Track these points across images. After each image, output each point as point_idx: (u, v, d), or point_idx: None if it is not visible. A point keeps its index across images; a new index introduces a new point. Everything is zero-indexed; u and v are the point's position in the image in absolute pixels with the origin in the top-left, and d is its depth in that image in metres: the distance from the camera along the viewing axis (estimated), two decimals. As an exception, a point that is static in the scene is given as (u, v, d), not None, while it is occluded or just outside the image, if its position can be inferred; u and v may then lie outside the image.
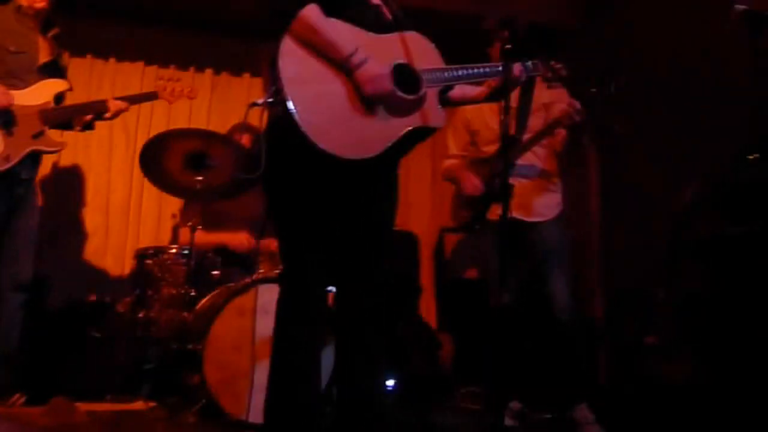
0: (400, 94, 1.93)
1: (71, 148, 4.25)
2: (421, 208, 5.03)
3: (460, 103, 2.39)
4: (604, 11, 4.22)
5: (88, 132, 3.28)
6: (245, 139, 3.73)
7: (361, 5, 2.06)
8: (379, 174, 2.03)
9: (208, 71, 4.83)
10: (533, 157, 3.17)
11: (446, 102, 2.14)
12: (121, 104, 3.13)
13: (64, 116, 3.08)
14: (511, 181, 2.14)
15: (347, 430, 1.98)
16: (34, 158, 2.99)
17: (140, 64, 4.70)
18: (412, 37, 2.05)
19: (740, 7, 2.25)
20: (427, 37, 2.08)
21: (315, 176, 1.92)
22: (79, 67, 4.38)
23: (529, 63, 2.27)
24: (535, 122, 3.10)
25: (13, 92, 2.89)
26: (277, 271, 3.18)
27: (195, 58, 4.79)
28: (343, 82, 1.90)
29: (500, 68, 2.11)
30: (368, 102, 1.91)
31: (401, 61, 1.98)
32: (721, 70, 3.36)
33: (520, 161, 3.07)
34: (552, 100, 3.15)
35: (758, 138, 2.28)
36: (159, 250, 3.47)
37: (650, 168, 3.75)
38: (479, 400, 3.47)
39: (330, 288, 2.07)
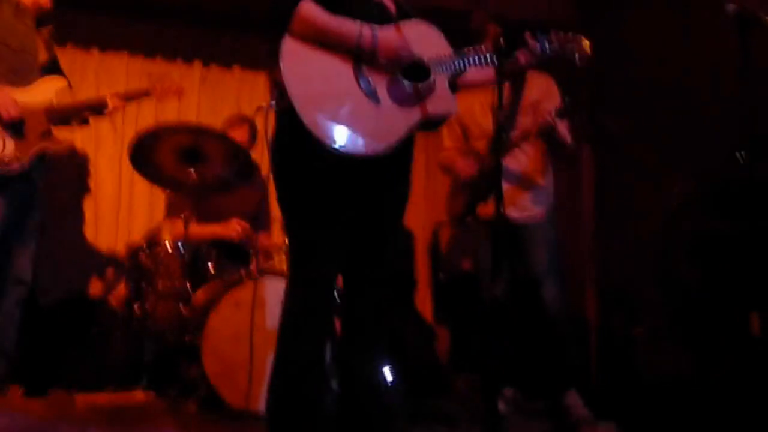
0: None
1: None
2: (415, 203, 4.92)
3: (473, 87, 2.28)
4: (595, 10, 4.26)
5: (74, 126, 3.22)
6: (240, 132, 3.72)
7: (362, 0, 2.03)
8: (391, 165, 2.01)
9: (197, 63, 4.70)
10: (522, 155, 3.17)
11: (456, 88, 2.10)
12: (118, 102, 3.12)
13: (69, 114, 3.06)
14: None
15: (352, 420, 2.00)
16: (41, 157, 2.96)
17: (124, 55, 4.53)
18: (413, 25, 2.01)
19: (732, 6, 2.29)
20: (431, 23, 2.05)
21: (326, 172, 1.91)
22: (59, 57, 4.30)
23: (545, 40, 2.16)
24: (524, 120, 3.11)
25: (16, 90, 2.85)
26: (272, 263, 3.22)
27: (182, 50, 4.65)
28: (349, 77, 1.90)
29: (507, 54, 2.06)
30: (374, 95, 1.90)
31: None
32: (712, 70, 3.42)
33: (507, 161, 3.07)
34: (540, 98, 3.15)
35: (748, 137, 2.34)
36: (152, 243, 3.45)
37: (642, 166, 3.81)
38: (474, 388, 3.53)
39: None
